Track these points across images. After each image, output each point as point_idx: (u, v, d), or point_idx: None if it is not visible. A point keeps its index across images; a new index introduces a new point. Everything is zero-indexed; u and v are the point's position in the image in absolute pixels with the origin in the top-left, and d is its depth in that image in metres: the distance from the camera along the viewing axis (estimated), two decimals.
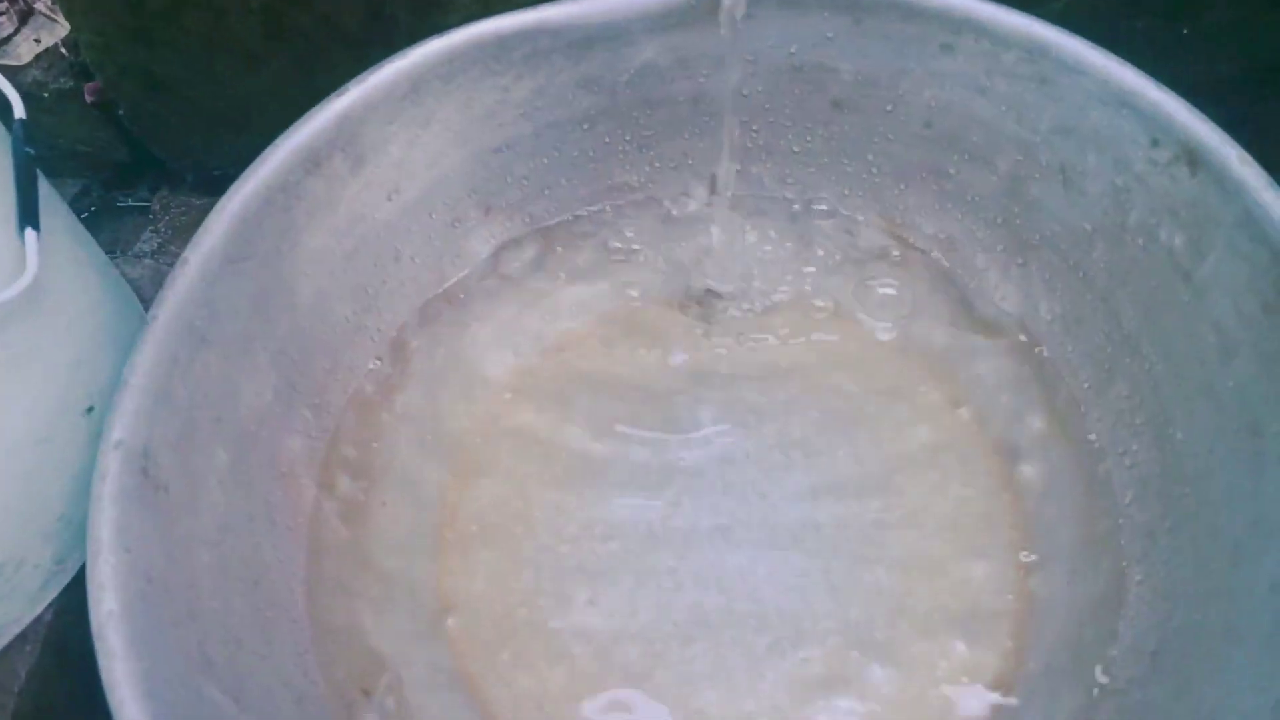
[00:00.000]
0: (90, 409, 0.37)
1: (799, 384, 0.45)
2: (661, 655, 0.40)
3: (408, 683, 0.39)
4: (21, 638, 0.38)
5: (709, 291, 0.48)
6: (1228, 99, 0.40)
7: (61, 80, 0.52)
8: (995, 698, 0.38)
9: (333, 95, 0.39)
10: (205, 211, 0.36)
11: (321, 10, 0.46)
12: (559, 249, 0.47)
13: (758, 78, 0.44)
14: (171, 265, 0.35)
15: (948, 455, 0.43)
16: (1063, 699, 0.37)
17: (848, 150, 0.45)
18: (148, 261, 0.51)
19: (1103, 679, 0.36)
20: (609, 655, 0.40)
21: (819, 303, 0.47)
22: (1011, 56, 0.39)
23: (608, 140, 0.45)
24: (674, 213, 0.48)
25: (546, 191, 0.46)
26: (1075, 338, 0.42)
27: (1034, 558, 0.40)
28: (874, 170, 0.45)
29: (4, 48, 0.51)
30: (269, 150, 0.37)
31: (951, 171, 0.44)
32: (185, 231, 0.55)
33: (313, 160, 0.38)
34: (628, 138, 0.45)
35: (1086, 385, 0.42)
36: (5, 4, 0.51)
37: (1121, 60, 0.37)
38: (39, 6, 0.51)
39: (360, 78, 0.39)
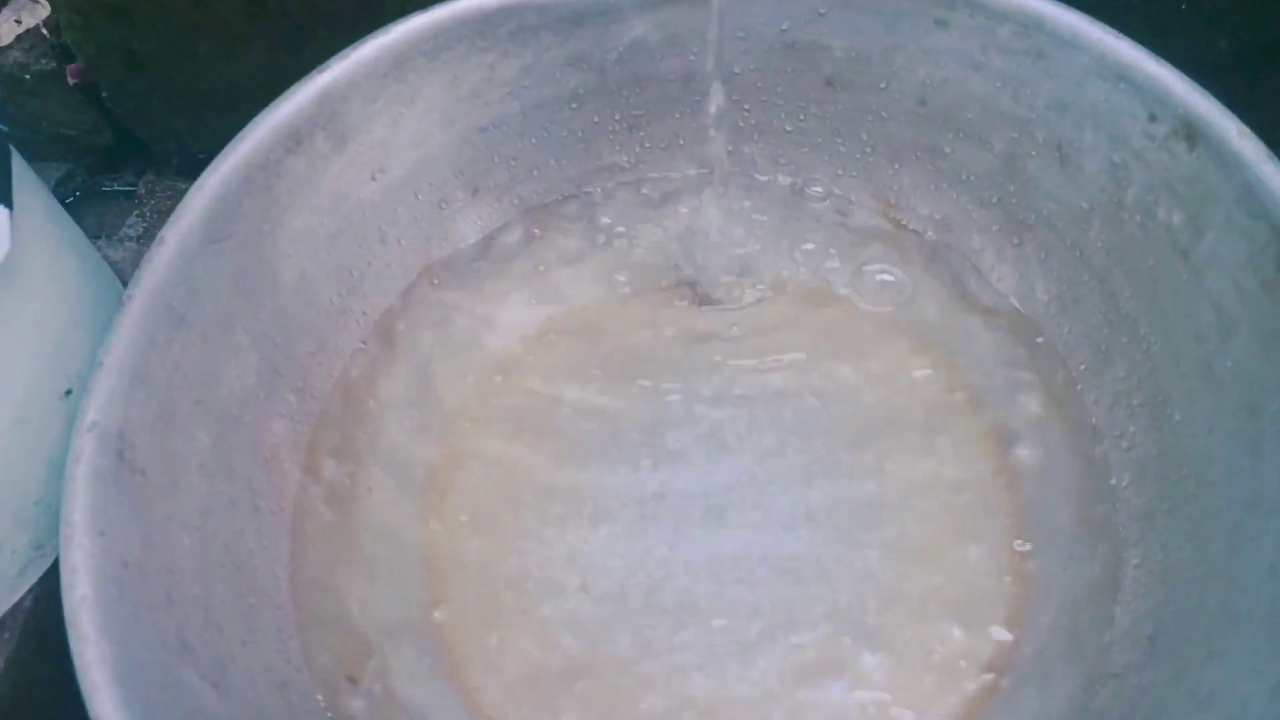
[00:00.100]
0: (68, 392, 0.36)
1: (791, 367, 0.45)
2: (651, 642, 0.39)
3: (394, 669, 0.38)
4: None
5: (700, 274, 0.47)
6: (1227, 76, 0.39)
7: (43, 62, 0.51)
8: (990, 682, 0.37)
9: (314, 72, 0.38)
10: None
11: None
12: (548, 231, 0.47)
13: (749, 55, 0.43)
14: None
15: (943, 438, 0.43)
16: (1058, 684, 0.36)
17: (841, 130, 0.45)
18: (130, 244, 0.51)
19: (1099, 663, 0.36)
20: (599, 642, 0.39)
21: (812, 285, 0.46)
22: (1006, 30, 0.38)
23: (597, 120, 0.45)
24: (665, 194, 0.47)
25: (535, 172, 0.45)
26: (1072, 318, 0.41)
27: (1029, 541, 0.40)
28: (868, 150, 0.45)
29: None
30: (249, 128, 0.37)
31: (946, 150, 0.43)
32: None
33: (294, 138, 0.38)
34: (617, 117, 0.45)
35: (1083, 367, 0.41)
36: None
37: (1118, 33, 0.36)
38: None
39: (342, 54, 0.38)
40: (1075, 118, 0.38)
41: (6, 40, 0.50)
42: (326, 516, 0.40)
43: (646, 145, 0.46)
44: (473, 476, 0.43)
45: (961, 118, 0.42)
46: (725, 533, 0.41)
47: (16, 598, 0.37)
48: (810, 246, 0.47)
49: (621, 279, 0.47)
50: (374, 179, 0.41)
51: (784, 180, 0.46)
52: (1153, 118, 0.36)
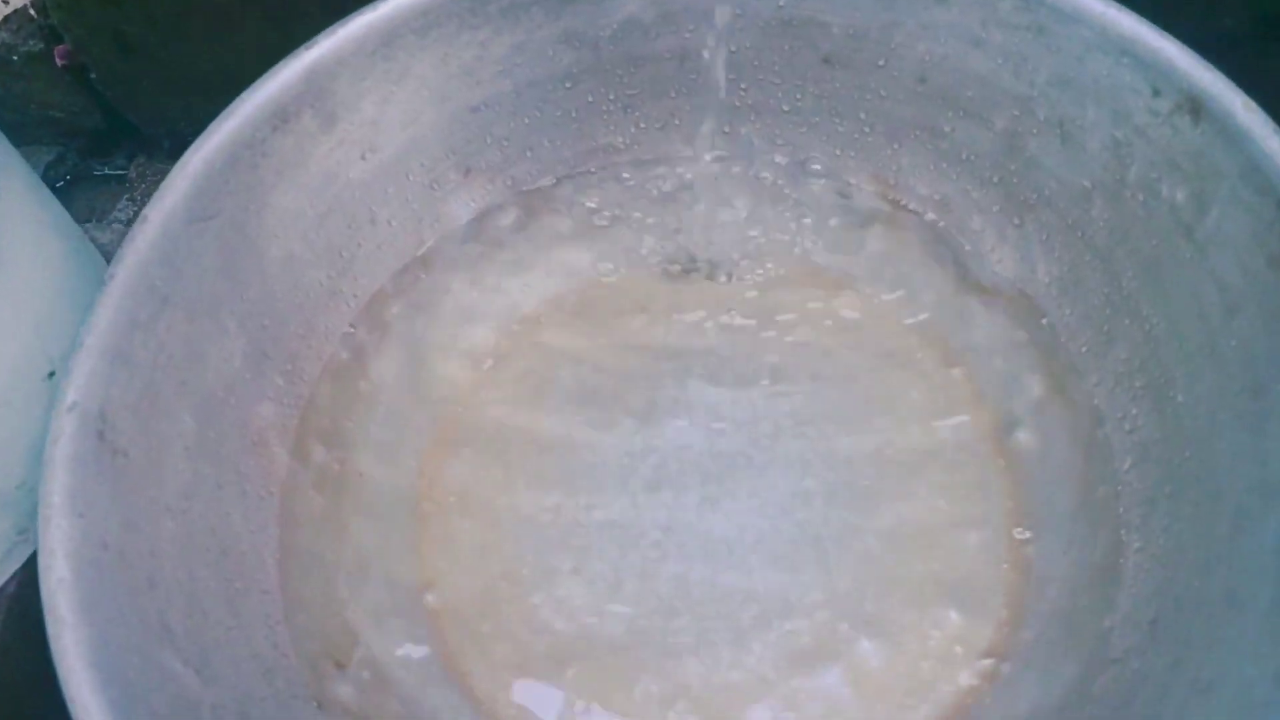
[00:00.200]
0: (52, 374, 0.36)
1: (788, 350, 0.44)
2: (645, 628, 0.39)
3: (383, 655, 0.38)
4: None
5: (697, 256, 0.46)
6: (1232, 52, 0.38)
7: (30, 43, 0.50)
8: (989, 668, 0.37)
9: (301, 48, 0.37)
10: None
11: None
12: (542, 213, 0.46)
13: (745, 33, 0.42)
14: None
15: (942, 422, 0.42)
16: (1058, 669, 0.35)
17: (839, 109, 0.44)
18: (120, 228, 0.50)
19: (1099, 649, 0.35)
20: (591, 628, 0.39)
21: (809, 267, 0.46)
22: (1007, 4, 0.37)
23: (591, 99, 0.44)
24: (660, 176, 0.46)
25: (528, 153, 0.45)
26: (1073, 300, 0.41)
27: (1029, 526, 0.39)
28: (866, 129, 0.44)
29: None
30: (234, 105, 0.36)
31: (946, 129, 0.42)
32: None
33: (280, 116, 0.37)
34: (611, 97, 0.44)
35: (1085, 349, 0.40)
36: None
37: (1120, 6, 0.36)
38: None
39: (329, 30, 0.38)
40: (1077, 94, 0.38)
41: None
42: (316, 500, 0.40)
43: (642, 125, 0.45)
44: (465, 460, 0.42)
45: (962, 95, 0.41)
46: (720, 517, 0.40)
47: (0, 583, 0.37)
48: (808, 227, 0.46)
49: (616, 260, 0.46)
50: (364, 158, 0.41)
51: (781, 160, 0.46)
52: (1156, 92, 0.35)
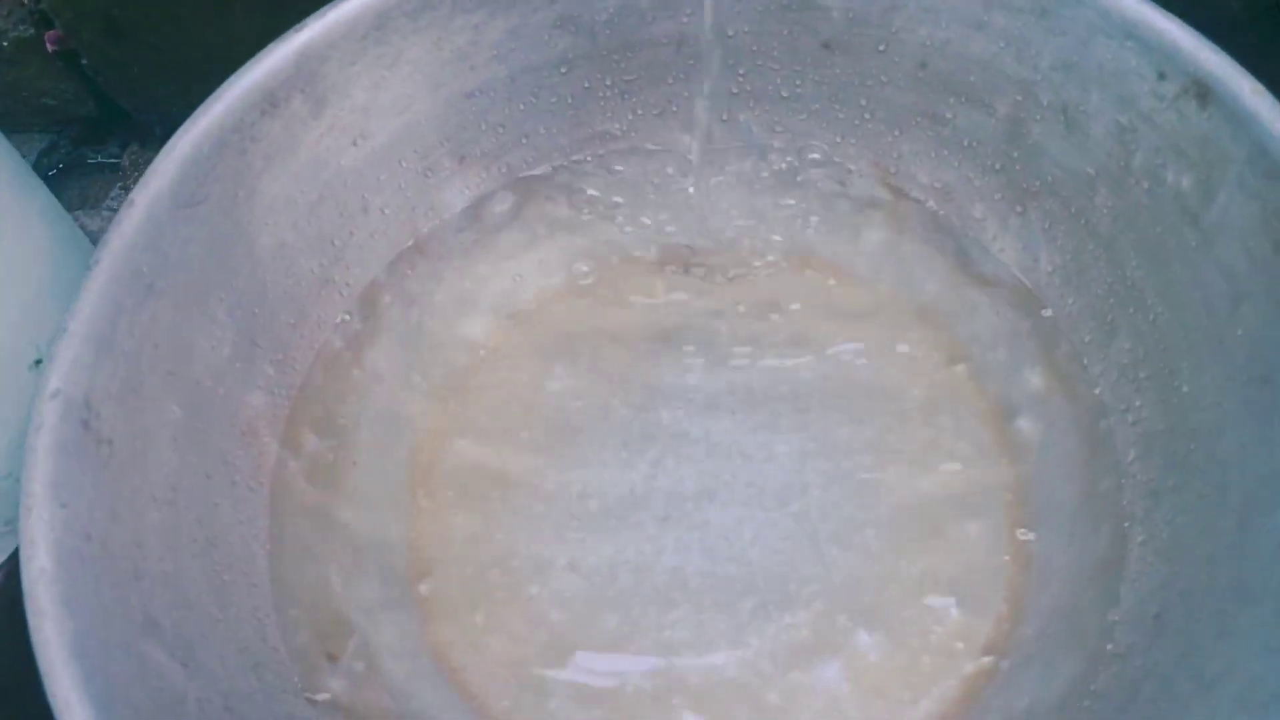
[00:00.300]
0: (38, 362, 0.35)
1: (787, 340, 0.43)
2: (641, 620, 0.38)
3: (376, 647, 0.37)
4: None
5: (694, 245, 0.46)
6: (1238, 36, 0.38)
7: (21, 28, 0.50)
8: (989, 663, 0.36)
9: (290, 31, 0.37)
10: None
11: None
12: (538, 201, 0.45)
13: (743, 17, 0.41)
14: None
15: (942, 413, 0.41)
16: (1060, 664, 0.35)
17: (839, 95, 0.43)
18: (109, 214, 0.49)
19: (1102, 644, 0.34)
20: (587, 620, 0.38)
21: (809, 256, 0.45)
22: None
23: (587, 86, 0.43)
24: (658, 164, 0.46)
25: (524, 140, 0.44)
26: (1076, 289, 0.40)
27: (1031, 519, 0.39)
28: (867, 116, 0.43)
29: None
30: (222, 88, 0.36)
31: (948, 115, 0.41)
32: None
33: (269, 100, 0.36)
34: (608, 83, 0.43)
35: (1088, 339, 0.40)
36: None
37: None
38: None
39: (319, 13, 0.37)
40: (1081, 78, 0.37)
41: None
42: (307, 491, 0.39)
43: (639, 112, 0.44)
44: (459, 452, 0.42)
45: (963, 81, 0.40)
46: (718, 509, 0.40)
47: None
48: (808, 216, 0.45)
49: (613, 248, 0.46)
50: (355, 145, 0.40)
51: (780, 148, 0.45)
52: (1161, 76, 0.35)
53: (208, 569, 0.33)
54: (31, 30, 0.50)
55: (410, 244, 0.43)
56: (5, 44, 0.50)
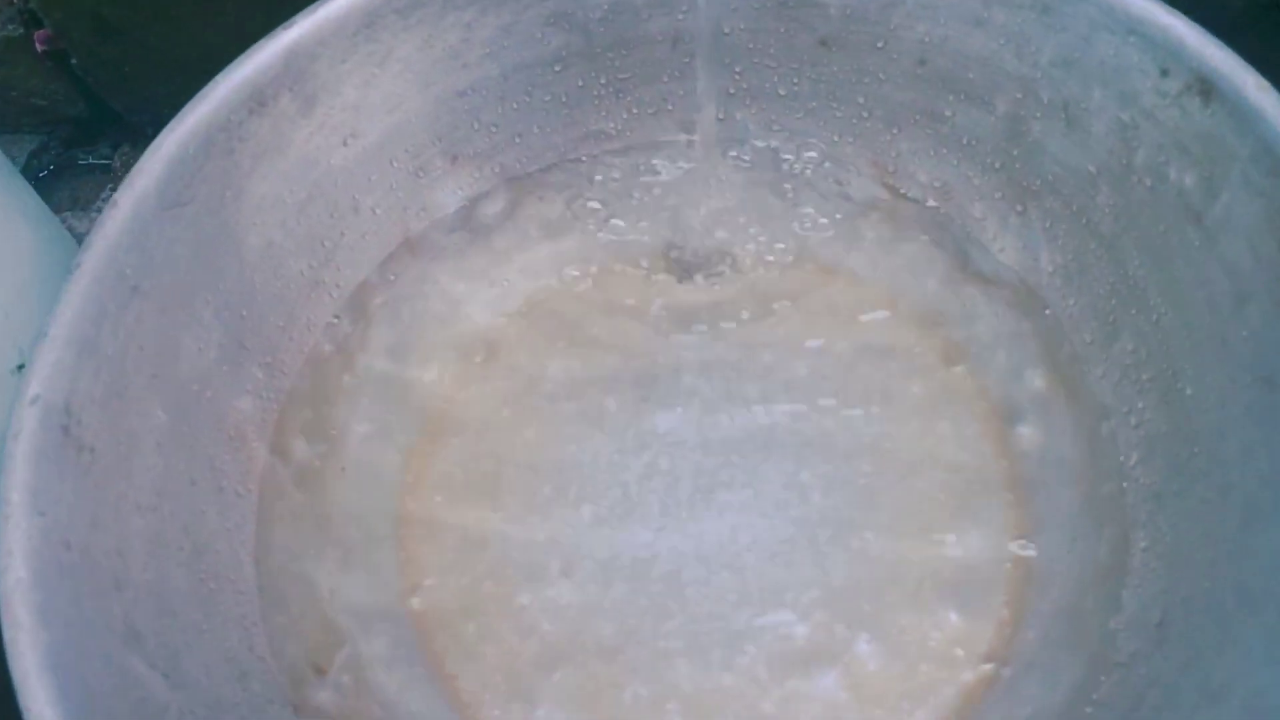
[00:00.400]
0: (21, 366, 0.35)
1: (785, 342, 0.43)
2: (635, 629, 0.38)
3: (366, 658, 0.37)
4: None
5: (690, 246, 0.45)
6: (1242, 32, 0.37)
7: (10, 28, 0.49)
8: (989, 670, 0.35)
9: (279, 28, 0.36)
10: None
11: None
12: (531, 201, 0.45)
13: (739, 14, 0.41)
14: None
15: (942, 416, 0.41)
16: (1061, 672, 0.34)
17: (837, 93, 0.43)
18: (97, 216, 0.49)
19: (1104, 651, 0.34)
20: (580, 630, 0.38)
21: (806, 256, 0.45)
22: None
23: (581, 84, 0.43)
24: (653, 162, 0.45)
25: (517, 140, 0.43)
26: (1078, 289, 0.39)
27: (1032, 523, 0.38)
28: (865, 114, 0.43)
29: None
30: (208, 87, 0.35)
31: (947, 113, 0.41)
32: None
33: (257, 99, 0.36)
34: (602, 81, 0.43)
35: (1089, 340, 0.39)
36: None
37: None
38: None
39: (308, 10, 0.36)
40: (1082, 75, 0.36)
41: None
42: (296, 498, 0.38)
43: (634, 111, 0.44)
44: (451, 457, 0.41)
45: (963, 78, 0.39)
46: (713, 514, 0.39)
47: None
48: (805, 216, 0.45)
49: (608, 249, 0.45)
50: (345, 144, 0.39)
51: (777, 147, 0.44)
52: (1164, 73, 0.34)
53: (193, 577, 0.33)
54: (20, 30, 0.49)
55: (402, 244, 0.43)
56: None
